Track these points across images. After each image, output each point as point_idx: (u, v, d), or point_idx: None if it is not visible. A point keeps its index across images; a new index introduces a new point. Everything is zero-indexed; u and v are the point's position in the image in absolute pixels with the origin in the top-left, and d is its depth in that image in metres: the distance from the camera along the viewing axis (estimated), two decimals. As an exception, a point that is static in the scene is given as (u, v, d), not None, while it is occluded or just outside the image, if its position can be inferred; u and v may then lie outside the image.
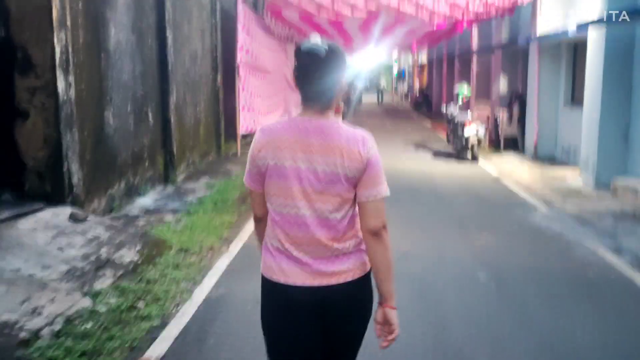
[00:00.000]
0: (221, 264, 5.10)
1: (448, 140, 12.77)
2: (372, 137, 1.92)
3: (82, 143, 5.76)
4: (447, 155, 12.18)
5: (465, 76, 18.61)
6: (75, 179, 5.56)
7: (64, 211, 5.27)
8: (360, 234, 1.95)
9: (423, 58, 33.27)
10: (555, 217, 6.97)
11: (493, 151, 12.59)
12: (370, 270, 1.97)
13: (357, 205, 1.94)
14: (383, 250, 1.91)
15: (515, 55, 14.04)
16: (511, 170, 10.35)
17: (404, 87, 38.93)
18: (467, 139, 11.00)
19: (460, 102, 12.30)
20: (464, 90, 12.44)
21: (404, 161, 11.24)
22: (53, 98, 5.23)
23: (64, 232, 4.89)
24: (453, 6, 11.22)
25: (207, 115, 10.70)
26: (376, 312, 1.97)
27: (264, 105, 12.97)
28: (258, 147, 1.91)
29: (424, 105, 26.94)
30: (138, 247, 5.08)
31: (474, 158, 11.12)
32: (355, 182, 1.88)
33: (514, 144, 12.56)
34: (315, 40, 1.88)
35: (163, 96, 8.18)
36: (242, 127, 11.04)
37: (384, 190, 1.91)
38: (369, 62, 36.18)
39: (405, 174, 9.82)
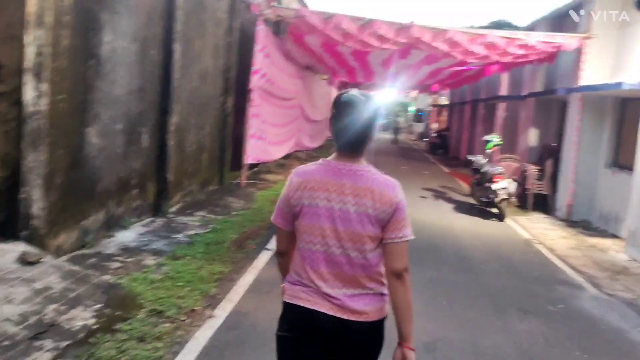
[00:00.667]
0: (201, 336, 4.00)
1: (471, 191, 11.68)
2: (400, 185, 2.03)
3: (51, 164, 4.75)
4: (470, 207, 11.08)
5: (489, 123, 17.64)
6: (35, 208, 4.53)
7: (15, 248, 4.24)
8: (385, 279, 2.03)
9: (442, 99, 32.53)
10: (608, 303, 5.84)
11: (519, 209, 11.48)
12: (385, 317, 2.04)
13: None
14: (405, 291, 1.99)
15: (547, 106, 13.05)
16: (543, 234, 9.23)
17: (420, 127, 38.12)
18: (495, 193, 9.91)
19: (489, 152, 11.25)
20: (494, 139, 11.41)
21: (423, 211, 10.15)
22: (17, 108, 4.26)
23: (5, 278, 3.83)
24: (490, 47, 10.30)
25: (212, 141, 9.70)
26: (395, 351, 2.04)
27: (275, 134, 12.02)
28: (293, 188, 2.03)
29: (441, 148, 25.99)
30: (98, 305, 4.01)
31: (501, 215, 10.01)
32: (384, 224, 1.97)
33: (542, 203, 11.45)
34: (354, 92, 1.99)
35: (162, 116, 7.21)
36: (249, 157, 10.04)
37: (409, 233, 2.00)
38: (387, 100, 35.53)
39: (426, 227, 8.72)
